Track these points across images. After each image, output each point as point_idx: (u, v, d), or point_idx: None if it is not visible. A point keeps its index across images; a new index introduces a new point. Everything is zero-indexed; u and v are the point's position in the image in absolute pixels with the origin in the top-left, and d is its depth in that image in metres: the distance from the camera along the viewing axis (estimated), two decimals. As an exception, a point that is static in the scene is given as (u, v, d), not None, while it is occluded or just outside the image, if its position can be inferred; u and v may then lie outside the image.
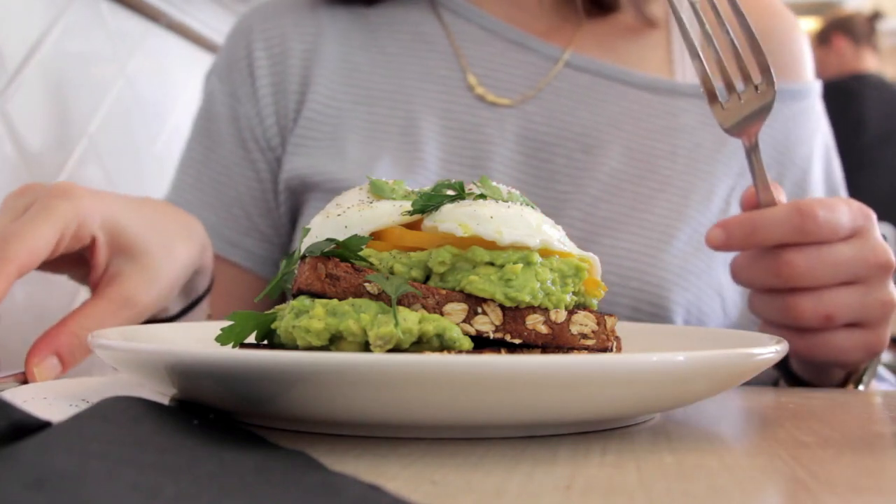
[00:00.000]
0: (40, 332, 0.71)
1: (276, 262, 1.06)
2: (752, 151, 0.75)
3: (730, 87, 0.75)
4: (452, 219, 0.56)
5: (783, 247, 0.73)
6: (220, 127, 1.06)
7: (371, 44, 1.06)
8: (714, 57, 0.76)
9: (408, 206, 0.59)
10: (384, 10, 1.08)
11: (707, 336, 0.70)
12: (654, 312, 0.92)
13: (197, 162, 1.07)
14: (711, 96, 0.75)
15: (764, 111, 0.74)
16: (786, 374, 0.85)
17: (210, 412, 0.51)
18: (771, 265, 0.73)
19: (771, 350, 0.54)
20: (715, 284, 0.96)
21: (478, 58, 1.04)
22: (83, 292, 1.10)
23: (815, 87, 1.09)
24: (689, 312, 0.94)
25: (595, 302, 0.59)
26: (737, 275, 0.78)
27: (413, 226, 0.59)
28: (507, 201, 0.59)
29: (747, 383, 0.62)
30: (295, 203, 1.03)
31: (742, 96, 0.75)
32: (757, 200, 0.75)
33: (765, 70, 0.74)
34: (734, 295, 0.98)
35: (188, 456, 0.39)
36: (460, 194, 0.59)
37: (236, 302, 1.03)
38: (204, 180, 1.05)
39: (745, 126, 0.75)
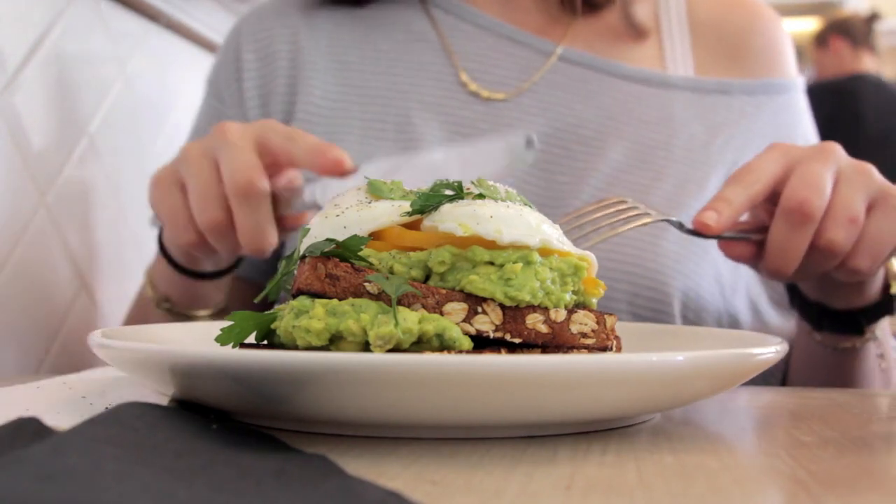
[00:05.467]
0: (34, 333, 0.70)
1: (261, 264, 1.06)
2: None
3: None
4: (452, 218, 0.56)
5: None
6: (204, 130, 1.05)
7: (363, 41, 1.06)
8: None
9: (406, 206, 0.59)
10: (375, 10, 1.09)
11: (707, 336, 0.70)
12: (653, 297, 0.93)
13: None
14: None
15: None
16: (822, 319, 0.87)
17: (227, 416, 0.51)
18: (780, 212, 0.75)
19: (771, 350, 0.54)
20: (713, 271, 0.97)
21: (470, 54, 1.05)
22: (83, 295, 1.10)
23: (799, 83, 1.11)
24: (687, 297, 0.95)
25: (594, 301, 0.59)
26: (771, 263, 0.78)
27: (412, 226, 0.59)
28: (505, 200, 0.59)
29: (748, 383, 0.62)
30: None
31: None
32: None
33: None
34: (732, 281, 0.99)
35: (204, 460, 0.39)
36: (459, 194, 0.59)
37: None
38: None
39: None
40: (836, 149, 0.78)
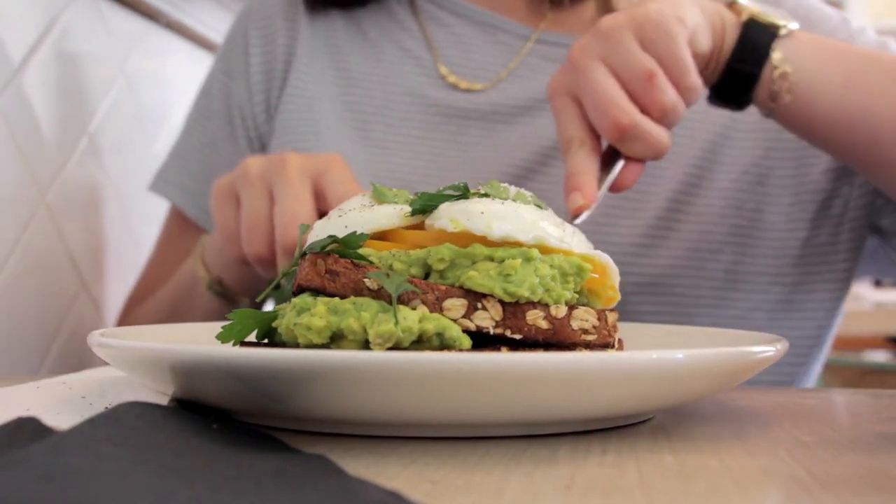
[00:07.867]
0: (34, 333, 0.70)
1: None
2: None
3: None
4: (446, 216, 0.56)
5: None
6: (212, 102, 1.10)
7: (352, 26, 1.09)
8: None
9: (409, 209, 0.59)
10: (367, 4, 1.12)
11: (706, 335, 0.70)
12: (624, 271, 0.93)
13: (187, 134, 1.12)
14: None
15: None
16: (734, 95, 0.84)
17: (227, 416, 0.51)
18: (609, 141, 0.76)
19: (771, 349, 0.54)
20: (680, 251, 0.97)
21: (448, 42, 1.07)
22: (83, 295, 1.10)
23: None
24: (650, 278, 0.95)
25: (599, 305, 0.59)
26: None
27: (415, 228, 0.59)
28: (512, 200, 0.59)
29: (748, 383, 0.62)
30: None
31: None
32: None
33: None
34: (711, 250, 0.99)
35: (204, 460, 0.39)
36: (464, 194, 0.59)
37: None
38: (189, 149, 1.11)
39: None
40: (585, 42, 0.76)
